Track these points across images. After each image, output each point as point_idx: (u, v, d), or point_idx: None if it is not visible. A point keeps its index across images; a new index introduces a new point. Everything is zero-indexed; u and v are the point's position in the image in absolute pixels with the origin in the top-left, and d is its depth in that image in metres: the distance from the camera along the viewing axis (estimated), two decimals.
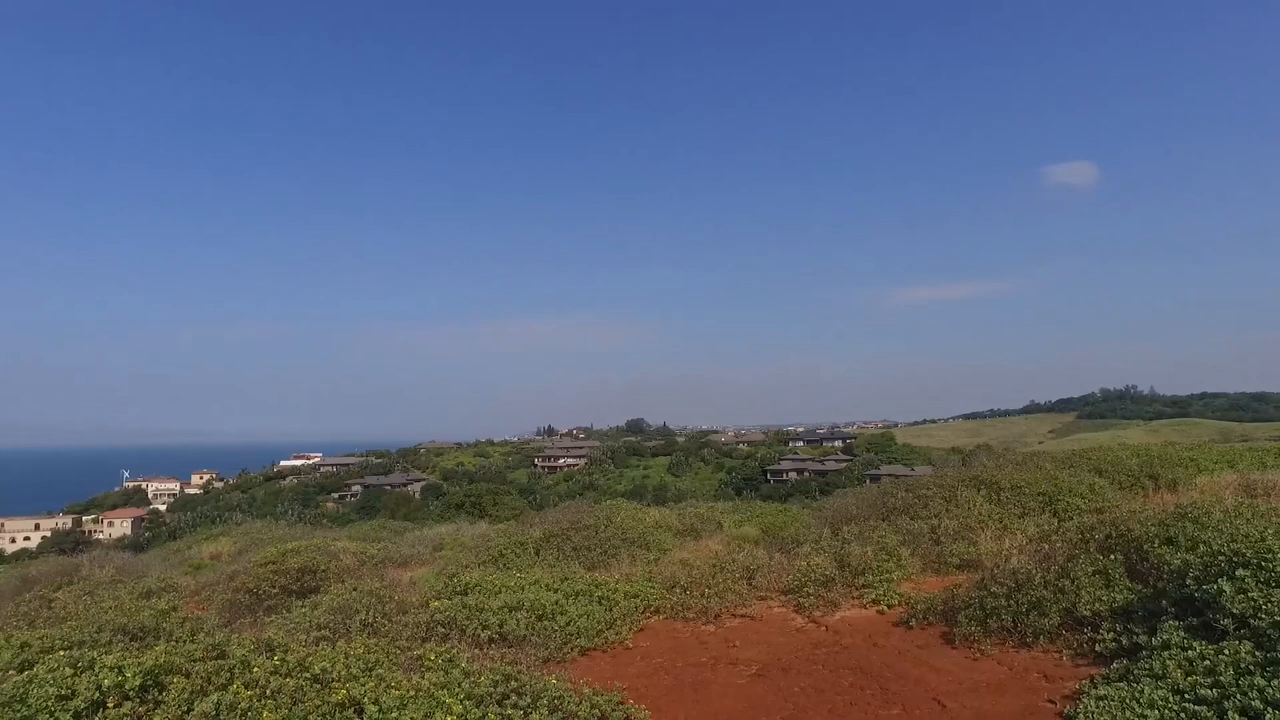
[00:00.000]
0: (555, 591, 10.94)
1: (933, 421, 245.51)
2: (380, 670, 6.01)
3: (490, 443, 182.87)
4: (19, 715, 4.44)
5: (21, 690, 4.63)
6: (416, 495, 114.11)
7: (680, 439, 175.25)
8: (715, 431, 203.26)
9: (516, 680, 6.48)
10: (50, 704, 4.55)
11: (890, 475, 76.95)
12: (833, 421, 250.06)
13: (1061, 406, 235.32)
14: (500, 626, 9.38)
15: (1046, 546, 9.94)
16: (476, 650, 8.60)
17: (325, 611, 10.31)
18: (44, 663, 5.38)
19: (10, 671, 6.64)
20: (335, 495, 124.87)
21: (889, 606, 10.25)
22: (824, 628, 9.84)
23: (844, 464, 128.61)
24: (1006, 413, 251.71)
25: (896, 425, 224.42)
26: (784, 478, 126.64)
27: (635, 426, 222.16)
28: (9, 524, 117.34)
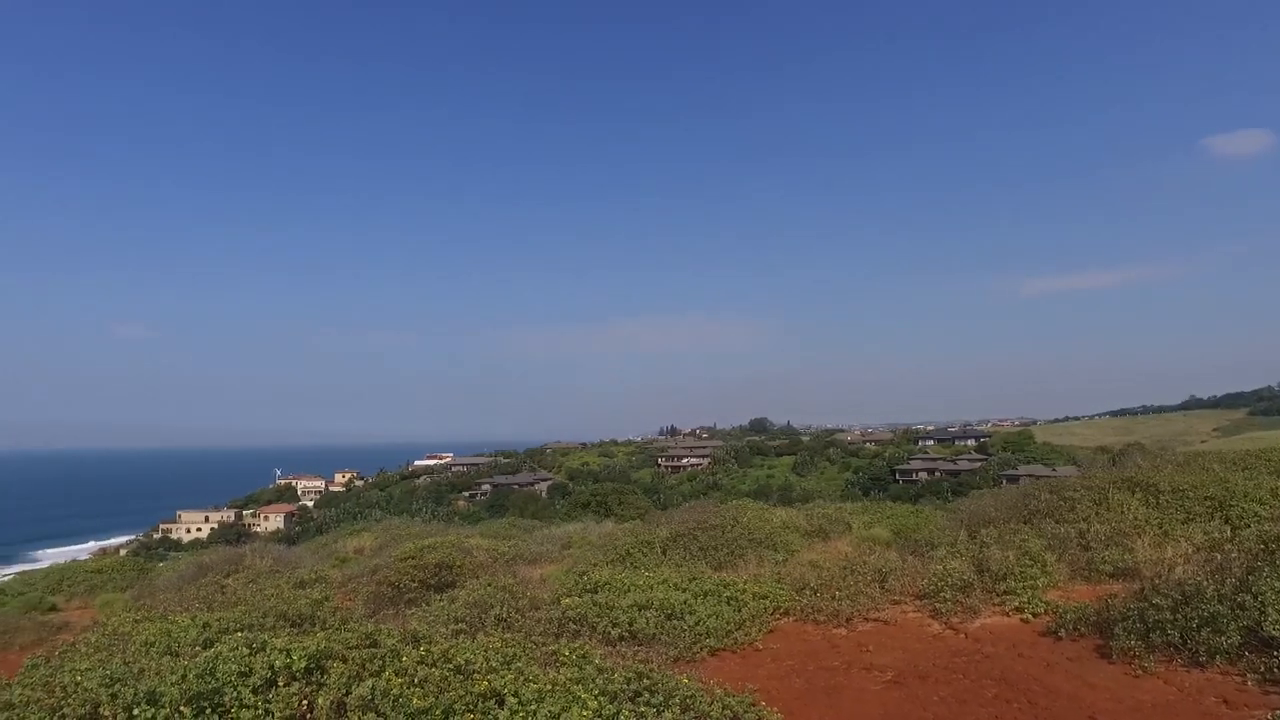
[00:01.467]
0: (684, 591, 10.99)
1: (1076, 419, 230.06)
2: (519, 664, 6.21)
3: (614, 443, 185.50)
4: (209, 686, 4.96)
5: (211, 665, 5.17)
6: (543, 494, 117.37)
7: (805, 438, 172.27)
8: (840, 430, 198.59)
9: (649, 678, 6.54)
10: (233, 679, 5.07)
11: (1029, 476, 72.85)
12: (965, 419, 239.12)
13: (1229, 402, 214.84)
14: (630, 625, 9.51)
15: (1219, 557, 9.07)
16: (607, 647, 8.75)
17: (462, 606, 10.75)
18: (224, 642, 5.95)
19: (196, 647, 7.32)
20: (466, 494, 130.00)
21: (1034, 615, 9.69)
22: (963, 635, 9.42)
23: (978, 464, 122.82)
24: (1161, 409, 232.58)
25: (1035, 423, 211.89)
26: (914, 478, 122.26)
27: (758, 425, 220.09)
28: (185, 516, 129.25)
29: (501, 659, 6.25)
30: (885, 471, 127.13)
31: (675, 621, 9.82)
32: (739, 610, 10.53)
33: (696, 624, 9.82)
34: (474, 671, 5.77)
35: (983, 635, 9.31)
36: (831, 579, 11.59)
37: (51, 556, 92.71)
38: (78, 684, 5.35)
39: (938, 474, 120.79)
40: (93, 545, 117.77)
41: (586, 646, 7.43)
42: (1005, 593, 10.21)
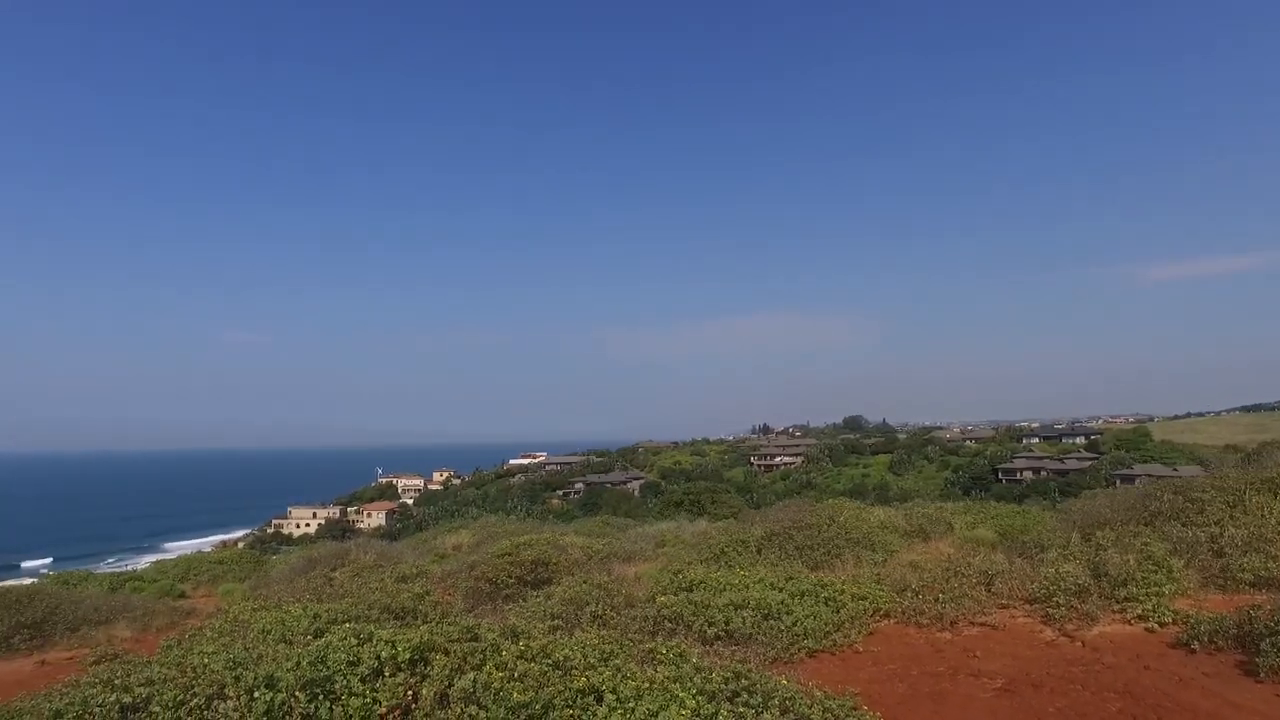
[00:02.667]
0: (780, 591, 10.80)
1: (1199, 415, 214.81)
2: (616, 661, 6.21)
3: (706, 441, 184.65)
4: (321, 673, 5.17)
5: (322, 653, 5.39)
6: (636, 493, 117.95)
7: (901, 436, 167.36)
8: (939, 428, 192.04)
9: (747, 679, 6.43)
10: (343, 667, 5.27)
11: (1147, 476, 68.58)
12: (1073, 416, 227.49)
13: None
14: (726, 624, 9.40)
15: None
16: (703, 646, 8.68)
17: (558, 602, 10.87)
18: (333, 632, 6.20)
19: (308, 636, 7.66)
20: (560, 492, 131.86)
21: (1160, 624, 9.07)
22: (1080, 643, 8.90)
23: (1088, 463, 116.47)
24: None
25: (1152, 419, 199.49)
26: (1017, 477, 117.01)
27: (853, 423, 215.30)
28: (295, 512, 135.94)
29: (599, 656, 6.26)
30: (986, 470, 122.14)
31: (772, 622, 9.64)
32: (837, 611, 10.27)
33: (794, 624, 9.62)
34: (572, 668, 5.80)
35: (1102, 644, 8.78)
36: (934, 581, 11.18)
37: (179, 548, 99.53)
38: (206, 665, 5.67)
39: (1044, 473, 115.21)
40: (215, 539, 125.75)
41: (683, 645, 7.37)
42: (1126, 599, 9.60)
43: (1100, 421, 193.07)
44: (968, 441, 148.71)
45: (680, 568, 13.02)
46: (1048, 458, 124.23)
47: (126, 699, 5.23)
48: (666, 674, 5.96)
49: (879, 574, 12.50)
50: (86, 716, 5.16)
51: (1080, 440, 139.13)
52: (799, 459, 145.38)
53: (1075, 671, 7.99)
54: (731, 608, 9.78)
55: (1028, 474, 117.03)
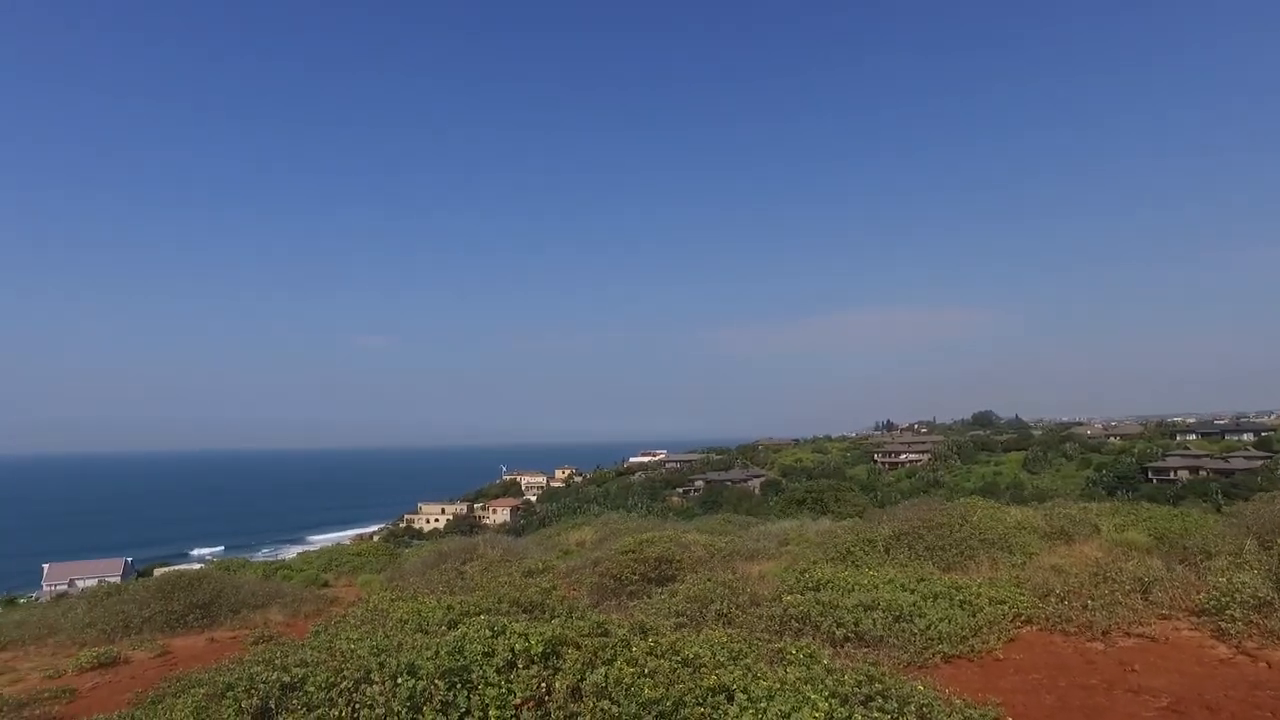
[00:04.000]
0: (911, 592, 10.39)
1: None
2: (746, 660, 6.14)
3: (828, 438, 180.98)
4: (458, 663, 5.36)
5: (459, 644, 5.60)
6: (756, 491, 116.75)
7: (1036, 432, 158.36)
8: (1078, 424, 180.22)
9: (880, 682, 6.21)
10: (479, 658, 5.44)
11: None
12: (1237, 410, 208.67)
13: None
14: (855, 625, 9.11)
15: None
16: (833, 648, 8.46)
17: (683, 600, 10.86)
18: (468, 624, 6.43)
19: (442, 627, 7.97)
20: (679, 490, 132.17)
21: None
22: (1264, 664, 8.01)
23: (1258, 462, 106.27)
24: None
25: None
26: (1171, 477, 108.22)
27: (983, 419, 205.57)
28: (425, 508, 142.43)
29: (728, 654, 6.21)
30: (1134, 469, 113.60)
31: (904, 624, 9.28)
32: (973, 615, 9.78)
33: (927, 628, 9.22)
34: (701, 665, 5.77)
35: None
36: (1080, 586, 10.47)
37: (321, 541, 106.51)
38: (353, 651, 6.00)
39: (1203, 473, 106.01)
40: (352, 532, 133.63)
41: (813, 646, 7.20)
42: None
43: (1273, 416, 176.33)
44: (1111, 438, 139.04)
45: (806, 567, 12.76)
46: (1207, 456, 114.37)
47: (285, 678, 5.60)
48: (797, 675, 5.83)
49: (1018, 577, 11.82)
50: (252, 691, 5.55)
51: (1248, 437, 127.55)
52: (925, 456, 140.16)
53: (1261, 696, 7.17)
54: (861, 609, 9.47)
55: (1183, 473, 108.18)
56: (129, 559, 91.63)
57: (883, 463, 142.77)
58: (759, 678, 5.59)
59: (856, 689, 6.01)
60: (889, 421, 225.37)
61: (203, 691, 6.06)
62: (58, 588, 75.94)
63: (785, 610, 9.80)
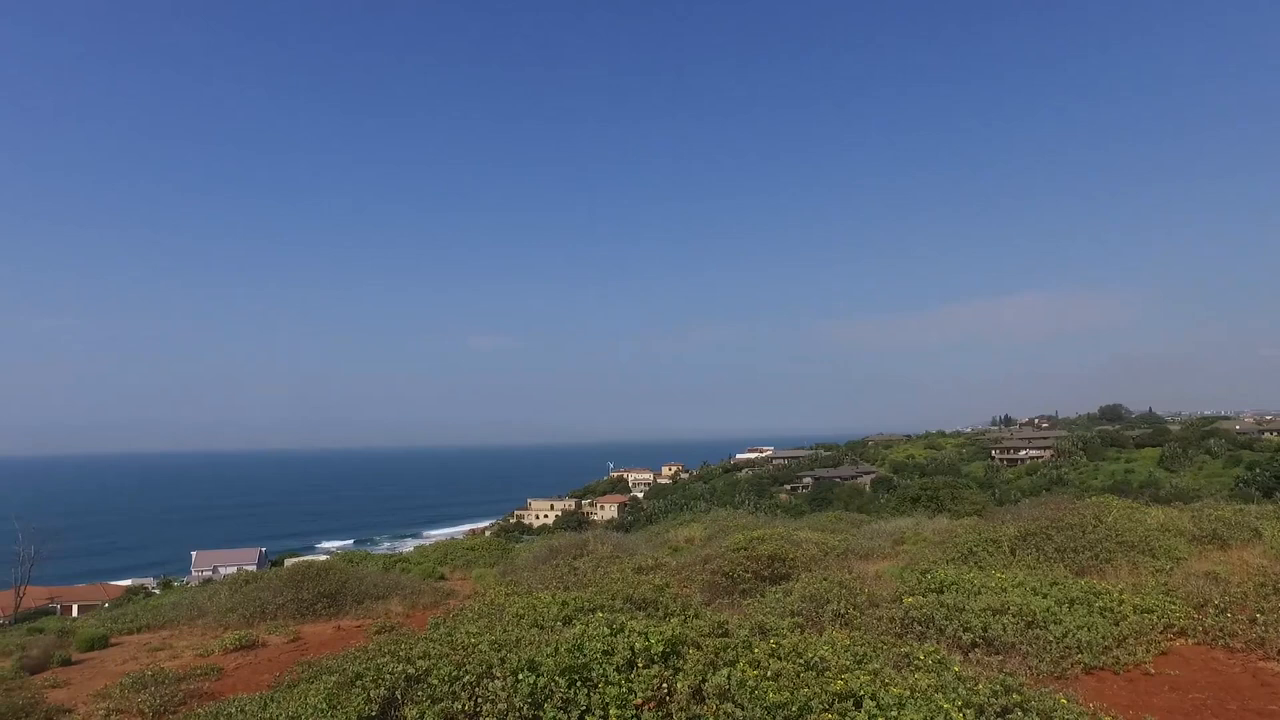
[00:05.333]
0: (1044, 597, 9.75)
1: None
2: (872, 664, 5.85)
3: (941, 434, 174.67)
4: (578, 661, 5.34)
5: (579, 641, 5.57)
6: (867, 488, 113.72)
7: (1173, 426, 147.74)
8: (1224, 417, 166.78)
9: (1019, 693, 5.80)
10: (599, 657, 5.39)
11: None
12: None
13: None
14: (984, 630, 8.60)
15: None
16: (960, 654, 8.02)
17: (798, 599, 10.56)
18: (582, 620, 6.43)
19: (557, 624, 8.01)
20: (787, 487, 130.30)
21: None
22: None
23: None
24: None
25: None
26: None
27: (1111, 413, 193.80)
28: (534, 504, 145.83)
29: (853, 657, 5.95)
30: None
31: (1038, 630, 8.70)
32: (1116, 624, 9.09)
33: (1064, 635, 8.61)
34: (826, 669, 5.55)
35: None
36: (1244, 597, 9.57)
37: (436, 535, 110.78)
38: (473, 645, 6.09)
39: None
40: (465, 527, 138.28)
41: (941, 651, 6.83)
42: None
43: None
44: (1265, 433, 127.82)
45: (926, 567, 12.21)
46: None
47: (410, 670, 5.73)
48: (928, 682, 5.52)
49: (1166, 584, 10.93)
50: (379, 682, 5.70)
51: None
52: (1047, 452, 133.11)
53: None
54: (989, 613, 8.93)
55: None
56: (263, 549, 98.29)
57: (1001, 459, 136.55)
58: (887, 684, 5.32)
59: (992, 699, 5.64)
60: (1007, 416, 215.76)
61: (334, 679, 6.28)
62: (204, 573, 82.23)
63: (907, 612, 9.38)
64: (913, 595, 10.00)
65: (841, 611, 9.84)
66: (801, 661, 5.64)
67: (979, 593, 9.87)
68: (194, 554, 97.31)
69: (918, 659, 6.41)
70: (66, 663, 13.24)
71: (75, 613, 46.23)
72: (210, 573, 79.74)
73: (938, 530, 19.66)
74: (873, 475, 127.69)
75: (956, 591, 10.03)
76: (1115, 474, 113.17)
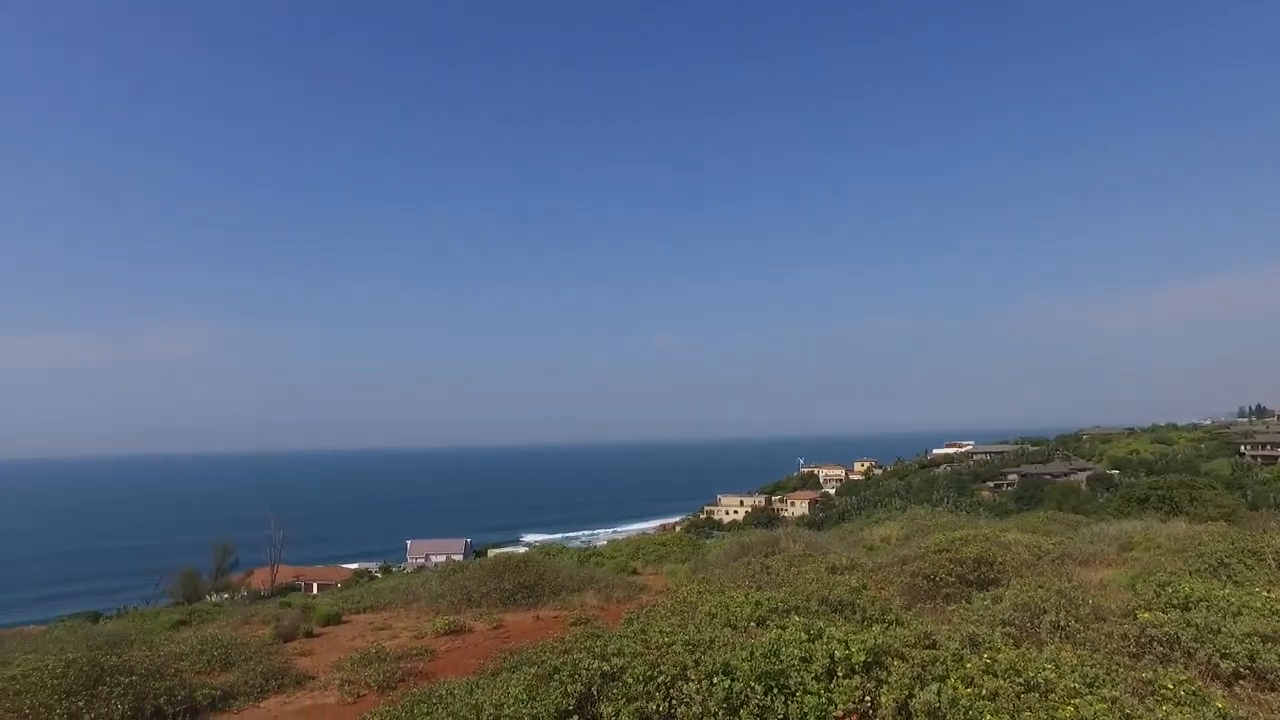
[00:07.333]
0: None
1: None
2: (1105, 690, 5.14)
3: (1173, 426, 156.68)
4: (774, 667, 5.12)
5: (775, 647, 5.35)
6: (1083, 486, 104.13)
7: None
8: None
9: None
10: (796, 663, 5.15)
11: None
12: None
13: None
14: (1250, 659, 7.32)
15: None
16: (1219, 685, 6.93)
17: (1009, 607, 9.64)
18: (775, 622, 6.20)
19: (750, 624, 7.80)
20: (990, 484, 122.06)
21: None
22: None
23: None
24: None
25: None
26: None
27: None
28: (724, 500, 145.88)
29: (1082, 680, 5.26)
30: None
31: None
32: None
33: None
34: (1050, 691, 4.94)
35: None
36: None
37: (628, 530, 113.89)
38: (667, 644, 6.03)
39: None
40: (656, 522, 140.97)
41: (1195, 681, 5.91)
42: None
43: None
44: None
45: (1165, 579, 10.75)
46: None
47: (605, 668, 5.76)
48: (1182, 718, 4.77)
49: None
50: (576, 677, 5.78)
51: None
52: None
53: None
54: (1257, 638, 7.60)
55: None
56: (468, 539, 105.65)
57: (1253, 455, 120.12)
58: (1130, 716, 4.64)
59: None
60: (1259, 406, 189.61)
61: (533, 671, 6.45)
62: (417, 561, 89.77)
63: (1143, 630, 8.22)
64: (1149, 610, 8.79)
65: (1061, 624, 8.84)
66: (1021, 681, 5.04)
67: (1239, 613, 8.47)
68: (409, 543, 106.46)
69: (1164, 688, 5.54)
70: (309, 634, 15.33)
71: (315, 590, 51.92)
72: (423, 561, 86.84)
73: (1175, 536, 17.48)
74: (1089, 472, 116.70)
75: (1207, 609, 8.68)
76: None
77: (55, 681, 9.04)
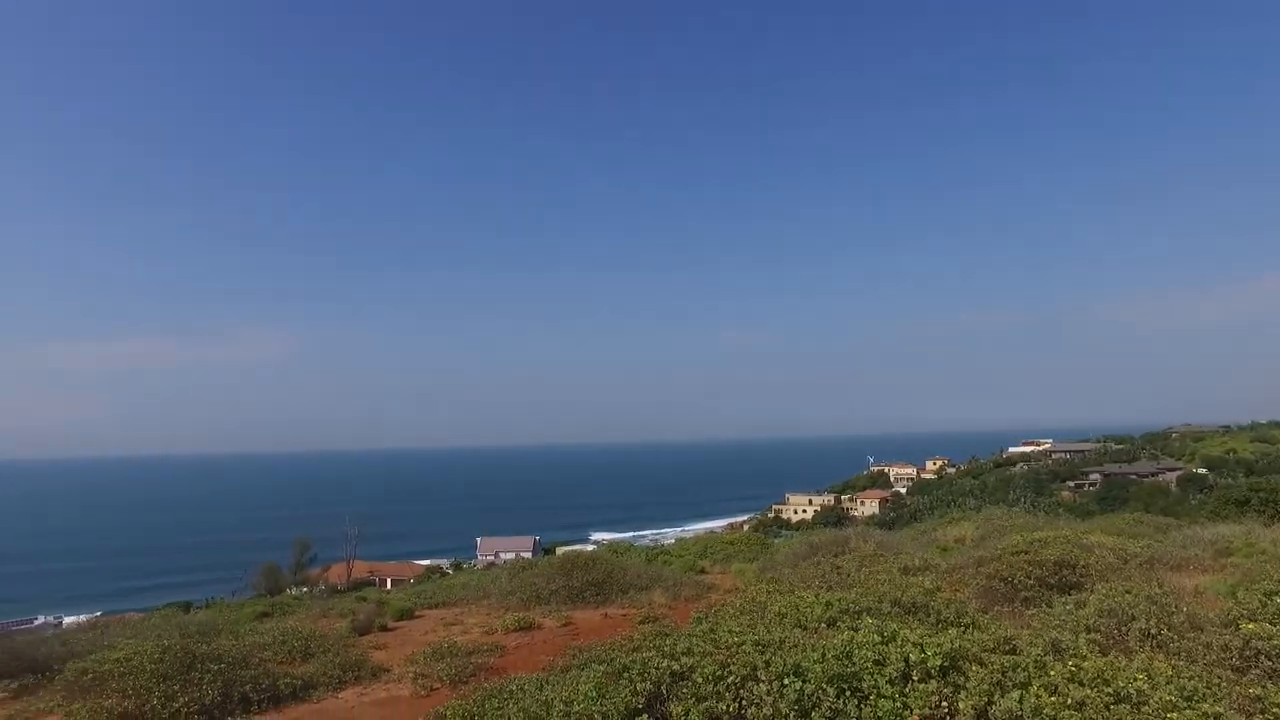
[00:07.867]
0: None
1: None
2: (1205, 705, 4.83)
3: (1276, 424, 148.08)
4: (847, 669, 5.00)
5: (847, 649, 5.22)
6: (1173, 486, 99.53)
7: None
8: None
9: None
10: (869, 666, 5.01)
11: None
12: None
13: None
14: None
15: None
16: None
17: (1094, 613, 9.21)
18: (852, 623, 6.05)
19: (821, 625, 7.65)
20: (1071, 484, 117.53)
21: None
22: None
23: None
24: None
25: None
26: None
27: None
28: (792, 499, 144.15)
29: (1179, 693, 4.96)
30: None
31: None
32: None
33: None
34: (1144, 704, 4.68)
35: None
36: None
37: (696, 529, 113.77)
38: (737, 645, 5.95)
39: None
40: (724, 521, 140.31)
41: None
42: None
43: None
44: None
45: (1274, 587, 10.09)
46: None
47: (675, 667, 5.72)
48: None
49: None
50: (645, 676, 5.77)
51: None
52: None
53: None
54: None
55: None
56: (537, 537, 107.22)
57: None
58: None
59: None
60: None
61: (602, 669, 6.46)
62: (487, 558, 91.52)
63: (1247, 642, 7.70)
64: (1254, 621, 8.26)
65: (1153, 632, 8.38)
66: (1110, 691, 4.79)
67: None
68: (479, 540, 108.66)
69: (1276, 705, 5.19)
70: (384, 629, 15.79)
71: (388, 586, 53.41)
72: (493, 558, 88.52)
73: (1277, 541, 16.51)
74: (1179, 472, 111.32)
75: None
76: None
77: (153, 666, 9.63)
